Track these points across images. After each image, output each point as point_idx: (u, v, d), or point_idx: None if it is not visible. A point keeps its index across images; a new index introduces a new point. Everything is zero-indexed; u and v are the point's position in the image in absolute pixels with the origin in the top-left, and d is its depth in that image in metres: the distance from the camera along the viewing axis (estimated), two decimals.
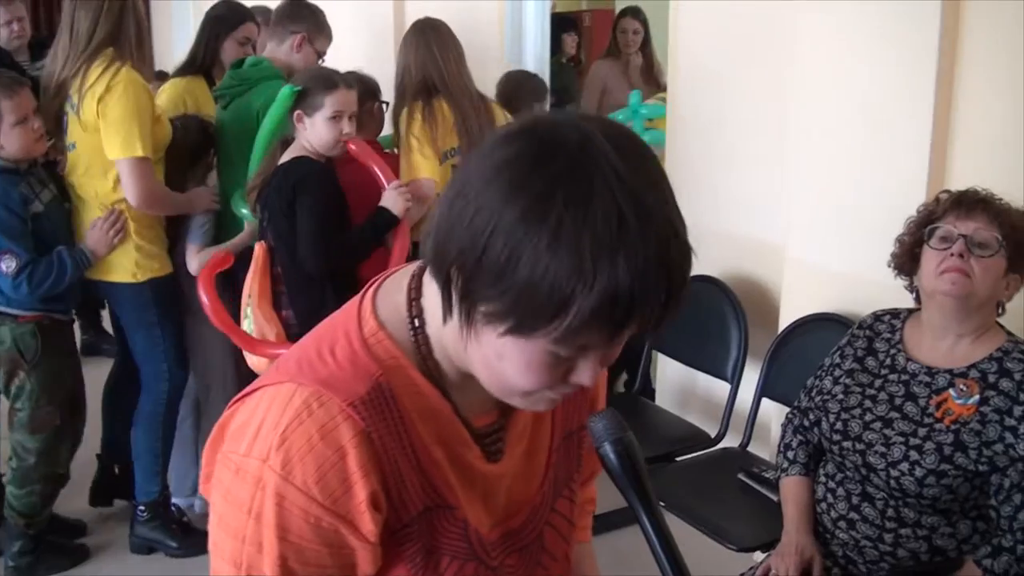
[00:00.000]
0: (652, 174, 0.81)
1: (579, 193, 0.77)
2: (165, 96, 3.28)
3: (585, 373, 0.85)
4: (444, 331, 0.90)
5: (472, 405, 0.97)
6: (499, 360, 0.85)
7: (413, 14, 3.66)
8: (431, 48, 3.03)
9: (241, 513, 0.88)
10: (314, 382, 0.89)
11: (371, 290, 0.97)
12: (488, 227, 0.78)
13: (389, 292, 0.96)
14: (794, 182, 2.76)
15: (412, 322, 0.93)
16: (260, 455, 0.87)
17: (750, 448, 2.91)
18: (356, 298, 0.97)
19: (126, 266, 2.93)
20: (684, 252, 0.80)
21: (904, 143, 2.40)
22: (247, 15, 3.38)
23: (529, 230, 0.77)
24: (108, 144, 2.78)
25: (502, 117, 3.17)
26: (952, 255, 1.86)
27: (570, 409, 1.08)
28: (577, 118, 0.82)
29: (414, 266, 0.96)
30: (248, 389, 0.93)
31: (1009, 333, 1.94)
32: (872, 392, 1.99)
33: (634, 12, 4.54)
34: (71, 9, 2.79)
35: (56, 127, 2.89)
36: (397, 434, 0.90)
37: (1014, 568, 1.81)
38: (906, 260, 2.01)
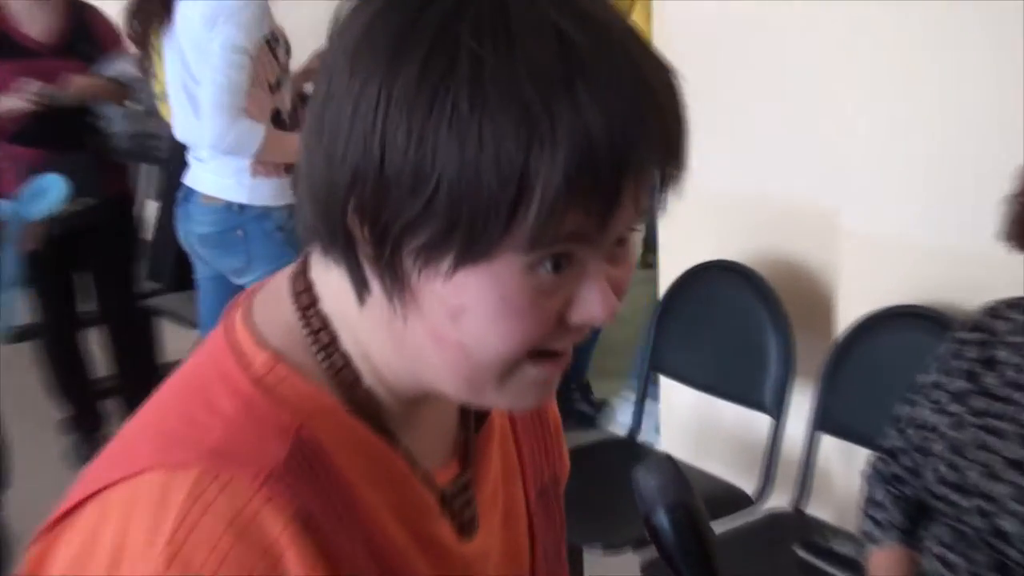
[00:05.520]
0: None
1: (490, 19, 0.77)
2: None
3: (592, 299, 0.84)
4: (367, 334, 0.90)
5: (428, 452, 0.97)
6: (458, 322, 0.83)
7: None
8: None
9: None
10: (199, 458, 0.84)
11: (238, 316, 0.95)
12: (377, 121, 0.78)
13: (269, 311, 0.94)
14: (854, 123, 2.78)
15: (316, 338, 0.92)
16: None
17: (807, 509, 2.93)
18: (217, 332, 0.95)
19: None
20: (665, 68, 0.82)
21: (998, 68, 2.46)
22: None
23: (435, 96, 0.76)
24: None
25: None
26: None
27: (538, 456, 1.12)
28: None
29: (289, 269, 0.96)
30: (57, 515, 0.88)
31: None
32: (995, 424, 2.00)
33: None
34: None
35: None
36: (339, 513, 0.88)
37: None
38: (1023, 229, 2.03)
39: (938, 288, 2.65)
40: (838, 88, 2.86)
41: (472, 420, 1.04)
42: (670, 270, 3.41)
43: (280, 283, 0.96)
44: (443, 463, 0.99)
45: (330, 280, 0.90)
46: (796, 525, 2.84)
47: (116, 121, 3.99)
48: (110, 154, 4.06)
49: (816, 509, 2.92)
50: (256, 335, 0.92)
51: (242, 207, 3.24)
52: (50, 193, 3.66)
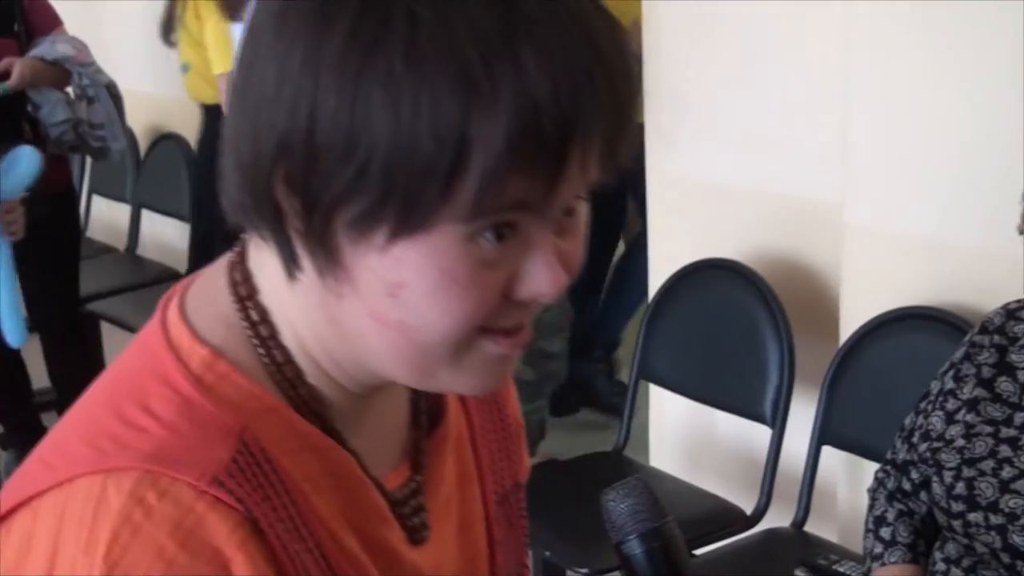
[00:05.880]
0: None
1: None
2: None
3: (538, 272, 0.84)
4: (302, 318, 0.92)
5: (377, 454, 0.98)
6: (397, 299, 0.84)
7: None
8: None
9: None
10: (136, 462, 0.85)
11: (173, 309, 0.96)
12: (305, 84, 0.79)
13: (206, 303, 0.96)
14: (857, 113, 2.77)
15: (256, 332, 0.93)
16: None
17: (808, 527, 2.91)
18: (151, 327, 0.96)
19: None
20: (615, 27, 0.83)
21: (1014, 59, 2.43)
22: None
23: (367, 56, 0.78)
24: None
25: None
26: None
27: (498, 461, 1.13)
28: None
29: (226, 258, 0.98)
30: None
31: None
32: (1011, 433, 2.02)
33: None
34: None
35: None
36: (286, 517, 0.90)
37: None
38: None
39: (951, 288, 2.64)
40: (841, 75, 2.84)
41: (424, 422, 1.05)
42: (660, 269, 3.39)
43: (217, 273, 0.96)
44: (393, 466, 1.00)
45: (265, 266, 0.91)
46: (797, 545, 2.82)
47: (56, 109, 3.94)
48: (52, 145, 3.98)
49: (819, 528, 2.90)
50: (193, 330, 0.93)
51: None
52: (22, 165, 3.60)
